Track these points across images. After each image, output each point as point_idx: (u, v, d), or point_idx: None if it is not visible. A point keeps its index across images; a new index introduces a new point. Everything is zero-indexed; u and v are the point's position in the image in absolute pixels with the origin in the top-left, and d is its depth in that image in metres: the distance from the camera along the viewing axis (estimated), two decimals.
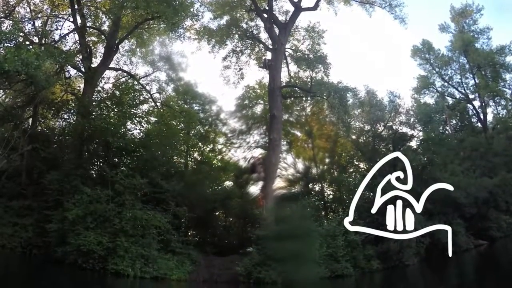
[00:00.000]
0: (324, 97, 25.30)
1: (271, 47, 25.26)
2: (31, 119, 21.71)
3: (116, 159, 20.26)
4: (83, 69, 22.04)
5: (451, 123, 33.63)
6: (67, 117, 22.69)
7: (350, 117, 26.14)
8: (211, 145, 26.18)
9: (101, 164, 20.11)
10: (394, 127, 25.65)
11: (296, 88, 26.57)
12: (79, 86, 23.43)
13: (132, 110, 20.83)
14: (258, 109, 28.94)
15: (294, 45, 27.03)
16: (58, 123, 23.40)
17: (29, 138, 20.01)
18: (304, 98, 28.04)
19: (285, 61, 25.92)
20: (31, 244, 17.20)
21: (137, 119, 21.12)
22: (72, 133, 20.93)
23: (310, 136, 28.01)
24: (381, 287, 16.83)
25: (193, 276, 17.94)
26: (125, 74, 25.25)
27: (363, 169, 26.36)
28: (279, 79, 24.47)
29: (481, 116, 34.52)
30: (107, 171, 18.21)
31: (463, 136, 29.57)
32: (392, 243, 19.61)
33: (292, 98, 27.55)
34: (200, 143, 25.28)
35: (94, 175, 19.96)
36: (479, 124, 34.58)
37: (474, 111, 35.31)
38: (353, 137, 27.00)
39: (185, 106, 25.47)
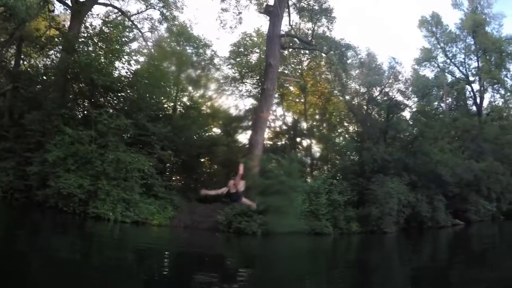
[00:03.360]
0: (324, 52, 24.30)
1: None
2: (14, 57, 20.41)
3: (102, 99, 19.34)
4: (69, 3, 20.38)
5: (447, 101, 33.27)
6: (52, 55, 21.30)
7: (348, 77, 25.38)
8: (202, 90, 25.32)
9: (85, 104, 19.26)
10: (390, 93, 25.10)
11: (295, 39, 25.35)
12: (64, 20, 21.79)
13: (120, 47, 19.54)
14: (254, 58, 27.89)
15: None
16: (43, 61, 22.00)
17: (11, 77, 18.96)
18: (302, 52, 26.97)
19: (287, 10, 24.36)
20: (13, 188, 16.75)
21: (126, 57, 19.81)
22: (55, 70, 19.74)
23: (304, 91, 27.31)
24: (358, 249, 17.26)
25: (174, 221, 17.87)
26: (116, 10, 23.52)
27: (352, 132, 26.20)
28: (279, 27, 23.08)
29: (478, 100, 34.06)
30: (91, 110, 17.46)
31: (457, 115, 29.28)
32: (374, 209, 19.95)
33: (290, 50, 26.43)
34: (190, 87, 24.40)
35: (79, 116, 19.17)
36: (474, 108, 34.24)
37: (472, 94, 34.87)
38: (347, 97, 26.44)
39: (178, 48, 24.16)
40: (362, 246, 17.78)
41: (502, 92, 35.25)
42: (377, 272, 10.23)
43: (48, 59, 21.68)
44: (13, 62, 20.87)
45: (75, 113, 19.18)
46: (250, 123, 25.82)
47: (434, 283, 8.49)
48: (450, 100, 34.31)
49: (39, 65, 21.96)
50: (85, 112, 18.88)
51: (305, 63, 28.27)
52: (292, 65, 27.94)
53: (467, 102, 35.26)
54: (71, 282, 5.45)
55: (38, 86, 19.72)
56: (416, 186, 21.50)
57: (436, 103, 28.05)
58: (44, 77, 20.58)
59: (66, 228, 13.50)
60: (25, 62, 21.80)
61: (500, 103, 35.65)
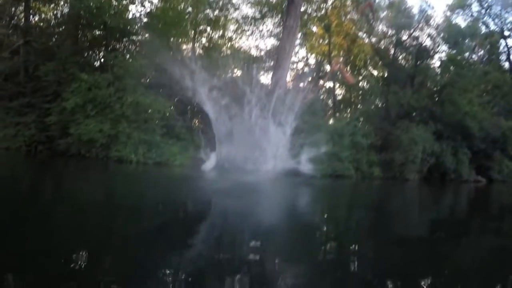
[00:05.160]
0: None
1: None
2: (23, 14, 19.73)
3: (118, 45, 18.75)
4: None
5: (479, 53, 30.66)
6: (61, 5, 20.19)
7: (375, 17, 23.60)
8: (221, 31, 24.23)
9: (100, 50, 18.75)
10: (419, 38, 23.30)
11: None
12: None
13: None
14: None
15: None
16: (54, 12, 21.02)
17: (22, 32, 18.50)
18: None
19: None
20: (35, 141, 16.95)
21: None
22: (67, 19, 19.08)
23: (328, 31, 25.82)
24: (379, 192, 16.95)
25: (196, 161, 17.48)
26: None
27: (378, 75, 25.00)
28: None
29: (511, 57, 31.58)
30: (106, 55, 17.07)
31: (489, 69, 27.00)
32: (398, 154, 19.52)
33: None
34: (208, 28, 23.40)
35: (95, 64, 18.83)
36: (506, 64, 31.42)
37: (506, 49, 31.69)
38: (373, 40, 24.86)
39: None
40: (384, 190, 17.39)
41: None
42: (396, 216, 10.00)
43: (58, 10, 20.69)
44: (23, 20, 20.18)
45: (90, 59, 18.83)
46: (272, 64, 25.07)
47: (450, 230, 8.24)
48: (482, 52, 31.62)
49: (50, 17, 21.04)
50: (101, 59, 18.45)
51: (330, 1, 26.44)
52: (316, 3, 26.18)
53: (500, 57, 32.66)
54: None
55: (51, 38, 19.21)
56: (442, 136, 20.70)
57: (467, 53, 25.87)
58: (56, 28, 19.90)
59: (89, 172, 13.59)
60: (36, 17, 21.09)
61: None
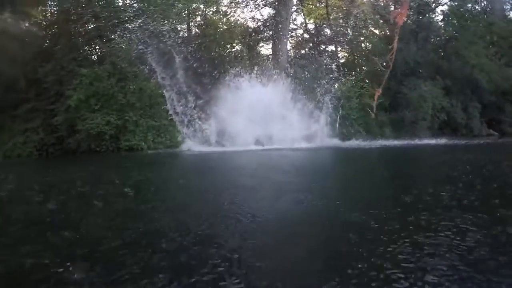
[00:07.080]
0: None
1: None
2: None
3: (112, 35, 18.48)
4: None
5: (482, 3, 29.22)
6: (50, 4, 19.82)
7: None
8: (214, 6, 23.69)
9: (96, 42, 18.51)
10: None
11: None
12: None
13: None
14: None
15: None
16: (44, 14, 20.51)
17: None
18: None
19: None
20: (45, 144, 17.09)
21: None
22: (57, 16, 18.79)
23: None
24: (393, 154, 16.62)
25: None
26: None
27: (381, 34, 24.30)
28: None
29: None
30: (101, 45, 16.88)
31: (493, 19, 25.81)
32: (407, 113, 19.30)
33: None
34: (201, 6, 22.87)
35: (94, 57, 18.69)
36: (511, 14, 30.26)
37: None
38: None
39: None
40: (396, 150, 17.10)
41: None
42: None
43: (48, 11, 20.21)
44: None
45: (88, 54, 18.64)
46: (270, 33, 24.69)
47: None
48: (485, 3, 30.35)
49: (40, 19, 20.44)
50: (98, 52, 18.25)
51: None
52: None
53: (504, 6, 31.15)
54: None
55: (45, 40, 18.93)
56: (451, 91, 20.38)
57: (469, 5, 24.84)
58: (49, 29, 19.44)
59: (101, 166, 13.40)
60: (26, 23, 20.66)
61: None
